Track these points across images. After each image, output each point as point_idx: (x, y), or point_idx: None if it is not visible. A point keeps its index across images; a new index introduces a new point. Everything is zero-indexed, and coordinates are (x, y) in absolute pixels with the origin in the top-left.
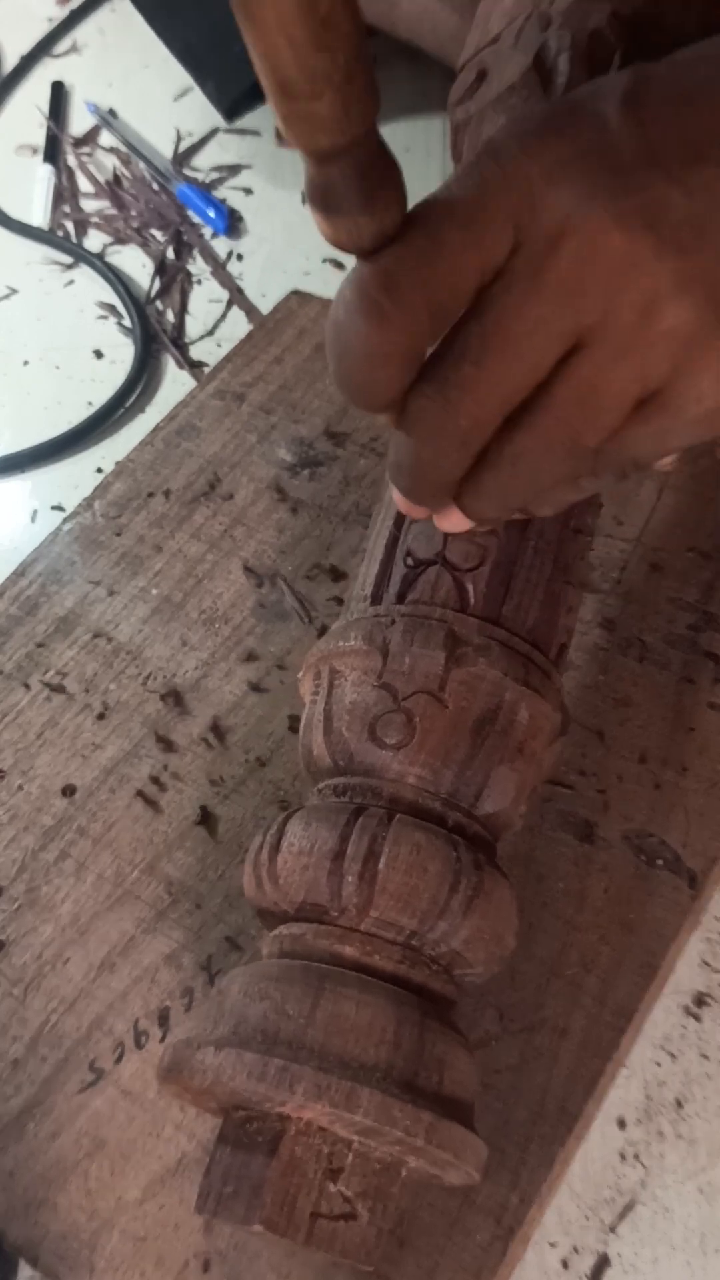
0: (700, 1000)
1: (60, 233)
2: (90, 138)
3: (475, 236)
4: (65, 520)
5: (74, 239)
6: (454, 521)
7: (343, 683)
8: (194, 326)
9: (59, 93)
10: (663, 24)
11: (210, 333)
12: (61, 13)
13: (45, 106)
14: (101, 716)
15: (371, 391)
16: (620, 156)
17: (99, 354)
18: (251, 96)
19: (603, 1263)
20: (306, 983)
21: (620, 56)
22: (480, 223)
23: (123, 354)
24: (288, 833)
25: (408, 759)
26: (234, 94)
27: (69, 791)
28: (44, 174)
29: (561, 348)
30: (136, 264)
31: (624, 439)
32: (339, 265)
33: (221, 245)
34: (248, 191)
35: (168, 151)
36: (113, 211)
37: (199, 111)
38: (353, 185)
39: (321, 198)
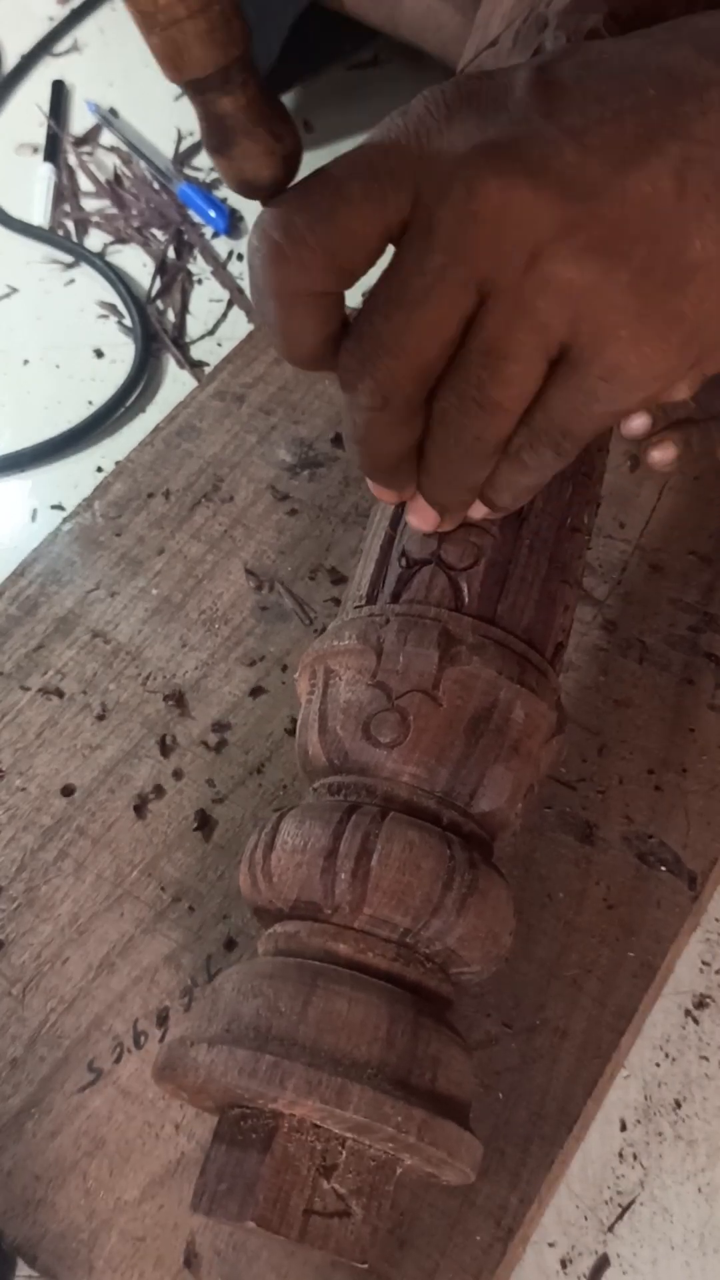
0: (700, 1002)
1: (61, 232)
2: (91, 137)
3: (375, 188)
4: (65, 520)
5: (74, 238)
6: (422, 514)
7: (337, 682)
8: (194, 326)
9: (59, 92)
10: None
11: (211, 332)
12: (62, 12)
13: (46, 105)
14: (101, 717)
15: (289, 337)
16: (512, 111)
17: (99, 353)
18: None
19: (602, 1263)
20: (299, 980)
21: None
22: (380, 175)
23: (123, 353)
24: (281, 831)
25: (402, 757)
26: None
27: (68, 791)
28: (44, 173)
29: (464, 302)
30: (137, 263)
31: (546, 404)
32: None
33: (222, 245)
34: None
35: (169, 151)
36: (113, 211)
37: None
38: (239, 115)
39: (212, 134)
